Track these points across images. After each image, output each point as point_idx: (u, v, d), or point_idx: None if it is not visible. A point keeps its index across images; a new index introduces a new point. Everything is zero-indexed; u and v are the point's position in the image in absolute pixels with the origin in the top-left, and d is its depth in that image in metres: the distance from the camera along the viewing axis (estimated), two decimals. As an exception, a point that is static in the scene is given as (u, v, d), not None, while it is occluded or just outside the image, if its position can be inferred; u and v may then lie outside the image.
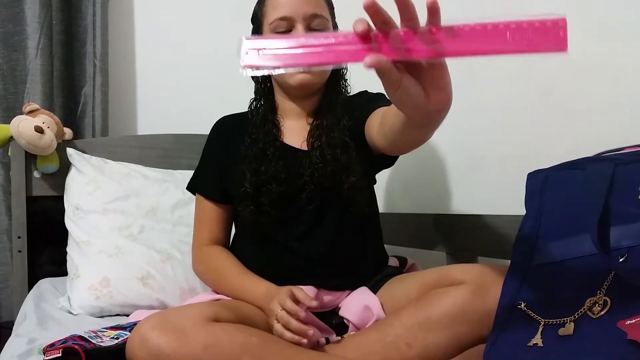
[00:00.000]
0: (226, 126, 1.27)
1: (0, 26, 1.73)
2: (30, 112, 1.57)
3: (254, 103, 1.23)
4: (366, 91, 1.24)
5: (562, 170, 0.87)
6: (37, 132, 1.51)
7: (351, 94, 1.24)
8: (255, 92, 1.24)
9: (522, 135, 1.25)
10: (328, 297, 1.11)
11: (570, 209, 0.82)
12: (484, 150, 1.37)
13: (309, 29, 1.11)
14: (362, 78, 1.29)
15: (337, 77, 1.22)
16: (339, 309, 1.11)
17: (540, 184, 0.88)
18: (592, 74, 1.09)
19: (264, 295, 1.03)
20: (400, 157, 1.57)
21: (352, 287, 1.13)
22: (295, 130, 1.19)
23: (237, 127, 1.23)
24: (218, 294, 1.15)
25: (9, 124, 1.54)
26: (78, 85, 1.87)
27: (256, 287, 1.07)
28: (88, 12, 1.85)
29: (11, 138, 1.55)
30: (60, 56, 1.81)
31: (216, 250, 1.20)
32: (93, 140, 1.76)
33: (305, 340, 0.92)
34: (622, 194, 0.77)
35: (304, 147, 1.16)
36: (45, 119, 1.57)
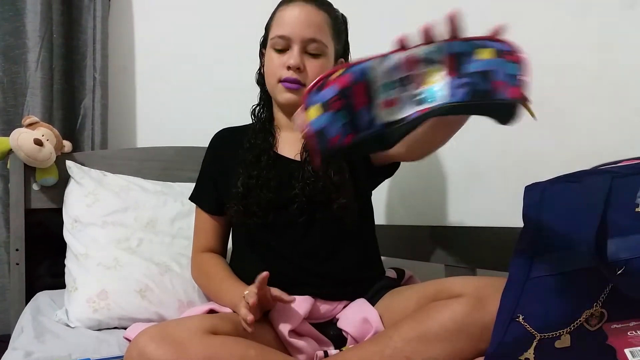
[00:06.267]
0: (224, 139, 1.30)
1: (1, 40, 1.74)
2: (30, 125, 1.58)
3: (257, 108, 1.27)
4: None
5: (560, 183, 0.87)
6: (37, 144, 1.51)
7: None
8: (259, 99, 1.28)
9: (520, 146, 1.26)
10: (325, 307, 1.11)
11: (567, 221, 0.82)
12: (481, 162, 1.37)
13: (305, 51, 1.13)
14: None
15: None
16: (337, 320, 1.11)
17: (538, 196, 0.88)
18: (590, 86, 1.10)
19: (237, 300, 1.04)
20: (399, 168, 1.56)
21: (350, 298, 1.13)
22: (290, 142, 1.22)
23: (234, 139, 1.25)
24: (210, 299, 1.18)
25: (9, 136, 1.54)
26: (78, 98, 1.87)
27: (234, 291, 1.08)
28: (88, 26, 1.86)
29: (10, 151, 1.55)
30: (60, 69, 1.82)
31: (210, 256, 1.25)
32: (92, 153, 1.77)
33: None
34: (619, 206, 0.77)
35: (298, 159, 1.17)
36: (45, 132, 1.58)
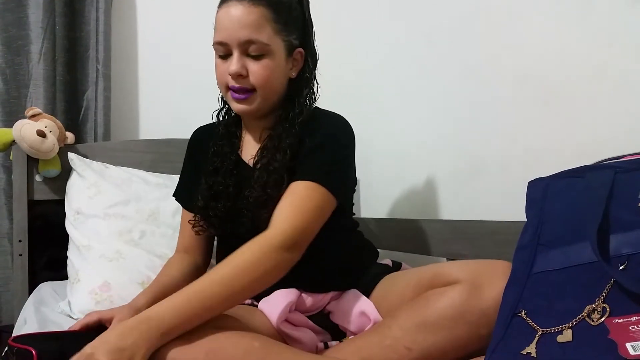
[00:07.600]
0: (197, 137, 1.29)
1: (3, 31, 1.73)
2: (33, 116, 1.58)
3: (221, 113, 1.23)
4: (321, 126, 1.12)
5: (563, 178, 0.87)
6: (39, 136, 1.51)
7: (317, 104, 1.18)
8: (223, 102, 1.23)
9: (523, 141, 1.26)
10: (310, 300, 1.09)
11: (570, 217, 0.82)
12: (484, 157, 1.37)
13: (246, 54, 1.06)
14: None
15: (298, 91, 1.14)
16: (328, 312, 1.10)
17: (541, 192, 0.88)
18: (593, 80, 1.10)
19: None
20: (401, 162, 1.57)
21: (338, 289, 1.12)
22: (251, 146, 1.17)
23: (207, 138, 1.22)
24: None
25: (12, 127, 1.55)
26: (80, 90, 1.88)
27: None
28: (91, 17, 1.86)
29: (13, 142, 1.56)
30: (62, 61, 1.82)
31: (171, 260, 1.23)
32: (95, 145, 1.77)
33: None
34: (622, 201, 0.77)
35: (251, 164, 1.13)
36: (48, 123, 1.58)
